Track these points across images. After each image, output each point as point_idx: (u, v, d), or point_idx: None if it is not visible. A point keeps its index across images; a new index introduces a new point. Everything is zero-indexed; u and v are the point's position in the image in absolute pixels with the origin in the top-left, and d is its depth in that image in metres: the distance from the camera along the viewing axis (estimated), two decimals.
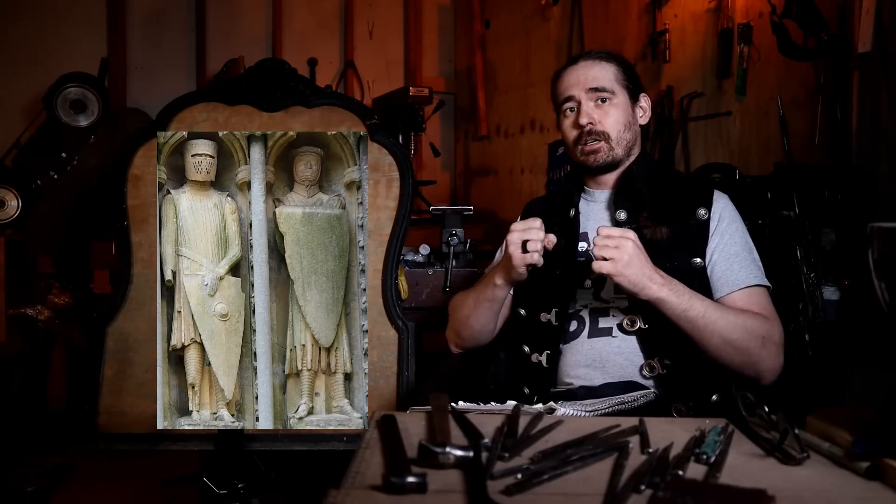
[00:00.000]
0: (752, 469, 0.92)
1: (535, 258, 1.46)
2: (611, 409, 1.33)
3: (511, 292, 1.65)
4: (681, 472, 0.88)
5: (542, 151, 3.89)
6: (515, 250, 1.47)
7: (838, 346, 1.85)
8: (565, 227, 1.62)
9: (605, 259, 1.37)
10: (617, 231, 1.40)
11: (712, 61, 2.88)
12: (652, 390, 1.42)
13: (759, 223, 1.93)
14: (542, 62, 3.98)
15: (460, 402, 1.28)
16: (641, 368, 1.50)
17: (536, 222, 1.48)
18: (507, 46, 4.36)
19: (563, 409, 1.25)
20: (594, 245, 1.40)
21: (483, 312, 1.63)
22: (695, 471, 0.90)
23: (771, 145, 2.59)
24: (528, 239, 1.46)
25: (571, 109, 1.60)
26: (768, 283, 1.52)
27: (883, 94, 2.12)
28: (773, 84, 2.60)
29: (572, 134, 1.60)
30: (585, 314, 1.56)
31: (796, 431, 0.95)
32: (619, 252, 1.36)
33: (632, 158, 1.62)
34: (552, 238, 1.47)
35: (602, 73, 1.59)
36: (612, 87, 1.58)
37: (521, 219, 1.71)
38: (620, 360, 1.51)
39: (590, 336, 1.54)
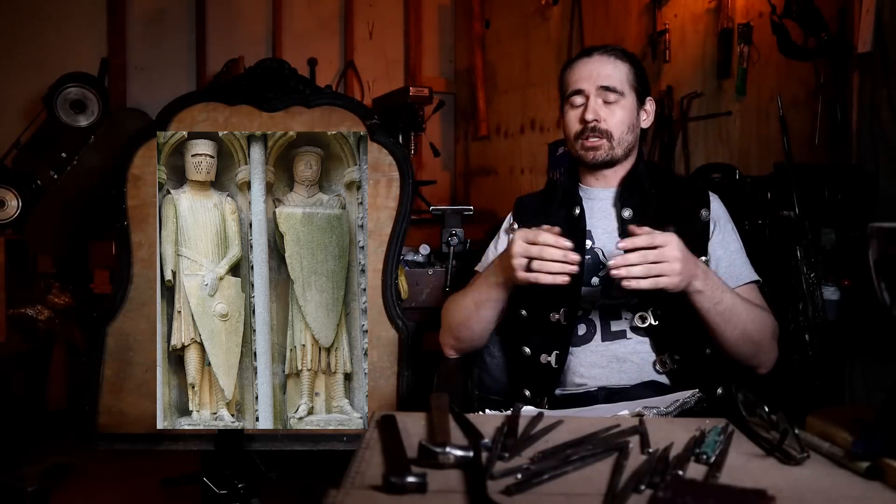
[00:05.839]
0: (752, 469, 0.92)
1: (561, 280, 1.38)
2: (676, 411, 1.31)
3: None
4: (681, 472, 0.88)
5: (542, 151, 3.89)
6: (519, 265, 1.40)
7: (838, 346, 1.85)
8: (571, 225, 1.61)
9: (657, 276, 1.32)
10: (647, 239, 1.33)
11: (712, 61, 2.88)
12: (697, 390, 1.40)
13: (759, 223, 1.93)
14: (542, 62, 3.98)
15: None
16: (655, 364, 1.51)
17: (548, 237, 1.38)
18: (507, 46, 4.36)
19: (649, 414, 1.24)
20: (616, 257, 1.34)
21: (485, 314, 1.57)
22: (695, 471, 0.90)
23: (771, 145, 2.59)
24: (542, 258, 1.38)
25: (579, 103, 1.59)
26: (759, 279, 1.57)
27: (883, 94, 2.12)
28: (773, 84, 2.60)
29: (575, 127, 1.59)
30: (595, 318, 1.55)
31: (796, 431, 0.95)
32: (668, 266, 1.32)
33: (630, 158, 1.63)
34: (576, 258, 1.38)
35: (615, 72, 1.58)
36: (622, 88, 1.58)
37: (514, 216, 1.71)
38: (637, 360, 1.52)
39: (604, 339, 1.54)
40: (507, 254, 1.46)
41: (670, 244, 1.33)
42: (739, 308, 1.43)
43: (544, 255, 1.38)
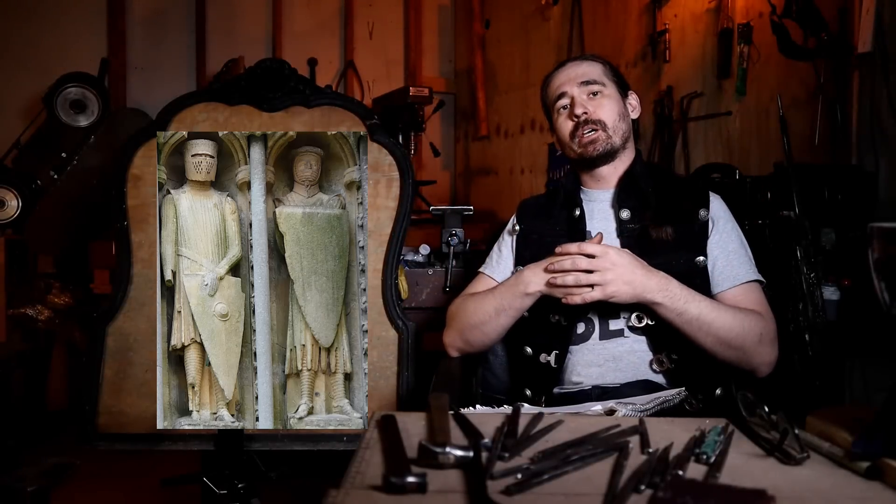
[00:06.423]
0: (752, 469, 0.92)
1: (587, 298, 1.44)
2: (658, 408, 1.32)
3: None
4: (681, 472, 0.88)
5: (542, 151, 3.89)
6: (566, 287, 1.45)
7: (838, 346, 1.85)
8: (571, 226, 1.62)
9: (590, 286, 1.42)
10: (578, 247, 1.44)
11: (712, 61, 2.88)
12: (683, 389, 1.42)
13: (759, 223, 1.93)
14: (542, 62, 3.98)
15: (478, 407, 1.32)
16: (651, 363, 1.51)
17: (583, 262, 1.44)
18: (507, 46, 4.36)
19: (622, 411, 1.24)
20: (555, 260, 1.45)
21: (504, 321, 1.58)
22: (695, 471, 0.90)
23: (771, 145, 2.59)
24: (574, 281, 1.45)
25: (564, 107, 1.63)
26: (762, 279, 1.56)
27: (883, 94, 2.12)
28: (773, 84, 2.60)
29: (568, 127, 1.62)
30: (594, 316, 1.56)
31: (796, 431, 0.95)
32: (599, 276, 1.41)
33: (628, 151, 1.65)
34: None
35: (591, 69, 1.65)
36: (603, 80, 1.63)
37: (517, 218, 1.72)
38: (633, 359, 1.52)
39: (601, 338, 1.55)
40: (540, 270, 1.51)
41: (605, 255, 1.41)
42: (709, 317, 1.43)
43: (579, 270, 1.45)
